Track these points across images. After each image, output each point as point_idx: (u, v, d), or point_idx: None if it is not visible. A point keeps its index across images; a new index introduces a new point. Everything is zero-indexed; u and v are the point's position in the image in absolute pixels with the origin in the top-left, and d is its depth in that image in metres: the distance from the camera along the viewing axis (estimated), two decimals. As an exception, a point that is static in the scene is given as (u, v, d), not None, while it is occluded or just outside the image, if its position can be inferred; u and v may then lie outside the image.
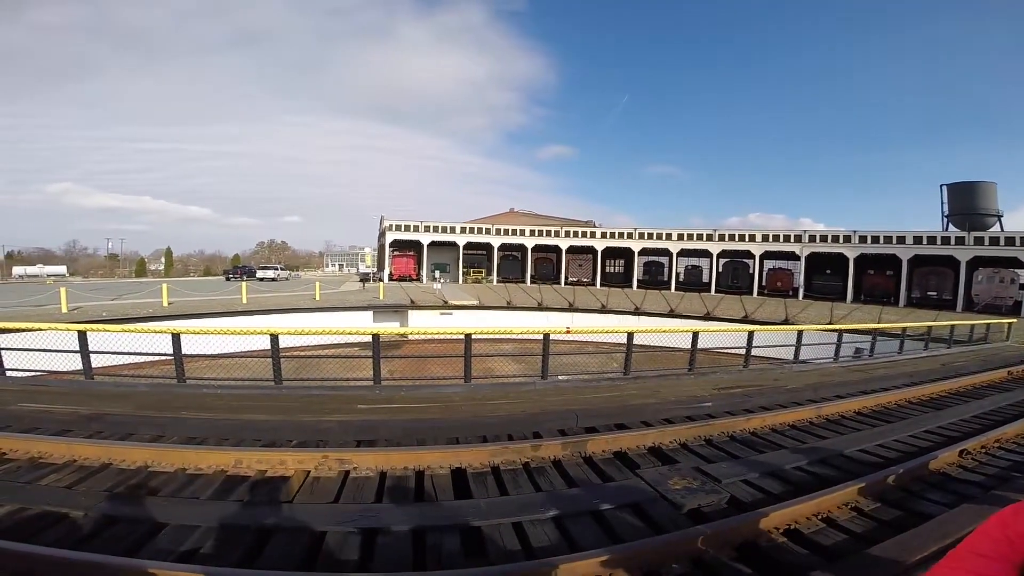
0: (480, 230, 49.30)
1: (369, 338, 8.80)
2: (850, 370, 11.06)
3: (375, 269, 49.15)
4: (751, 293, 41.37)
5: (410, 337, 15.07)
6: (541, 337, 9.60)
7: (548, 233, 49.41)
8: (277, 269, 53.13)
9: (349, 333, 9.81)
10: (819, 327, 18.85)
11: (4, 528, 3.12)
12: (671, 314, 32.13)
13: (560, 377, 9.66)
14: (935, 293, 35.33)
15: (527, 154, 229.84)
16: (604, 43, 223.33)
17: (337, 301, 30.17)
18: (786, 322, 19.21)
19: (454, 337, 9.64)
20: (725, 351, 13.16)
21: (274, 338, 8.50)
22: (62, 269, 66.80)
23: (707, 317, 30.55)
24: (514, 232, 49.26)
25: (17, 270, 62.89)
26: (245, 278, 44.15)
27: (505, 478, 4.12)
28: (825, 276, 40.18)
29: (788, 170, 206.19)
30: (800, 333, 13.91)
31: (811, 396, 7.82)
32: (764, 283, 42.76)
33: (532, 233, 49.15)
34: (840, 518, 3.48)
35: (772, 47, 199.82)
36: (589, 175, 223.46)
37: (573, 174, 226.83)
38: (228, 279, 48.03)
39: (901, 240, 37.10)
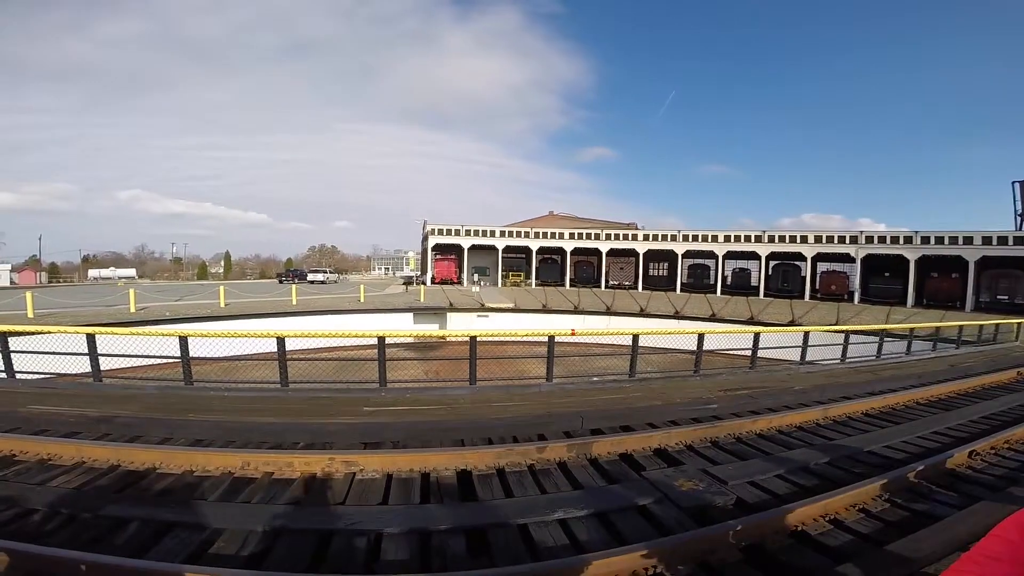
0: (519, 234, 49.20)
1: (404, 339, 8.93)
2: (857, 371, 10.98)
3: (419, 272, 49.67)
4: (802, 297, 39.38)
5: (448, 339, 15.35)
6: (570, 339, 9.56)
7: (587, 236, 48.40)
8: (326, 272, 55.66)
9: (356, 336, 9.83)
10: (825, 328, 18.73)
11: (14, 528, 3.16)
12: (712, 318, 31.58)
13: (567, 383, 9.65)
14: (1006, 297, 32.97)
15: (568, 156, 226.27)
16: (646, 41, 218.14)
17: (380, 303, 31.25)
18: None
19: (491, 339, 9.76)
20: (733, 353, 13.12)
21: (280, 341, 8.54)
22: (132, 272, 71.92)
23: (750, 321, 29.81)
24: (552, 235, 48.78)
25: (92, 273, 69.61)
26: (296, 281, 45.58)
27: (510, 480, 4.12)
28: (883, 279, 37.63)
29: (847, 168, 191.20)
30: (807, 334, 13.84)
31: (818, 397, 7.77)
32: (817, 286, 40.51)
33: (571, 236, 48.37)
34: (847, 520, 3.46)
35: (830, 37, 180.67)
36: (632, 176, 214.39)
37: (616, 175, 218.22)
38: (281, 282, 49.57)
39: (968, 240, 34.02)
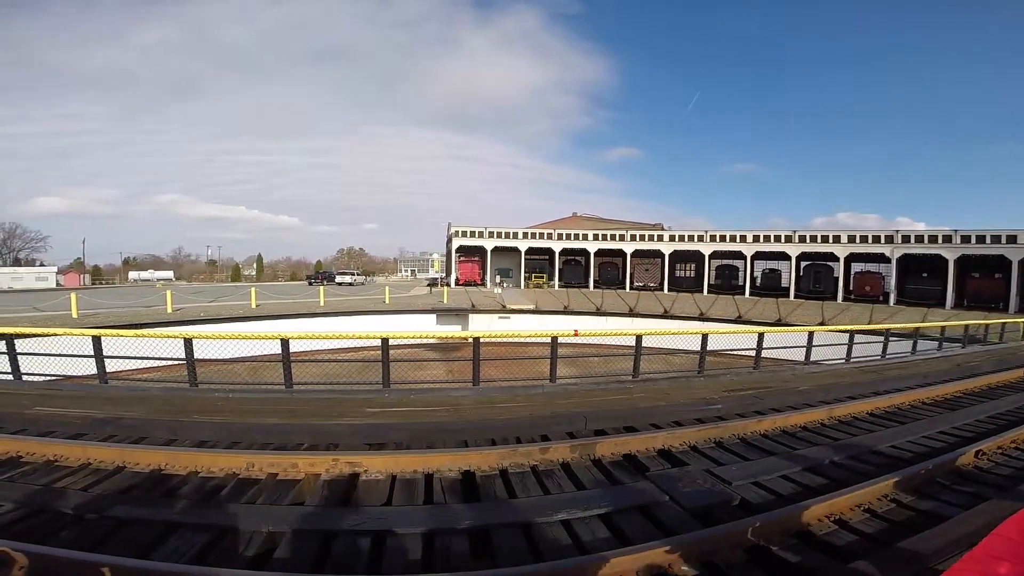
0: (541, 235, 49.33)
1: (430, 340, 9.04)
2: (862, 371, 10.93)
3: (443, 274, 50.29)
4: (835, 298, 38.43)
5: (469, 339, 15.65)
6: (584, 339, 9.61)
7: (611, 237, 48.04)
8: (354, 274, 57.70)
9: (359, 337, 9.87)
10: (829, 328, 18.66)
11: (20, 529, 3.18)
12: (738, 320, 31.26)
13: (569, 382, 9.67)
14: (1053, 297, 31.36)
15: (592, 157, 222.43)
16: (670, 38, 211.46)
17: (404, 304, 32.16)
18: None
19: (512, 341, 9.84)
20: (745, 353, 13.08)
21: (284, 343, 8.58)
22: (170, 274, 75.70)
23: (778, 323, 29.30)
24: (576, 237, 48.64)
25: (132, 275, 73.30)
26: (325, 283, 46.69)
27: (513, 480, 4.12)
28: (921, 280, 36.64)
29: (884, 165, 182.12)
30: (811, 334, 13.80)
31: (822, 397, 7.74)
32: (851, 288, 39.28)
33: (595, 237, 48.07)
34: (852, 520, 3.45)
35: (862, 28, 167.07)
36: (658, 176, 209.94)
37: (641, 176, 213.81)
38: (310, 284, 50.75)
39: (1012, 239, 32.52)
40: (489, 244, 48.04)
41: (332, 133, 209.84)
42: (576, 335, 11.49)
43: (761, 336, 12.15)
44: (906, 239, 37.29)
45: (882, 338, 15.98)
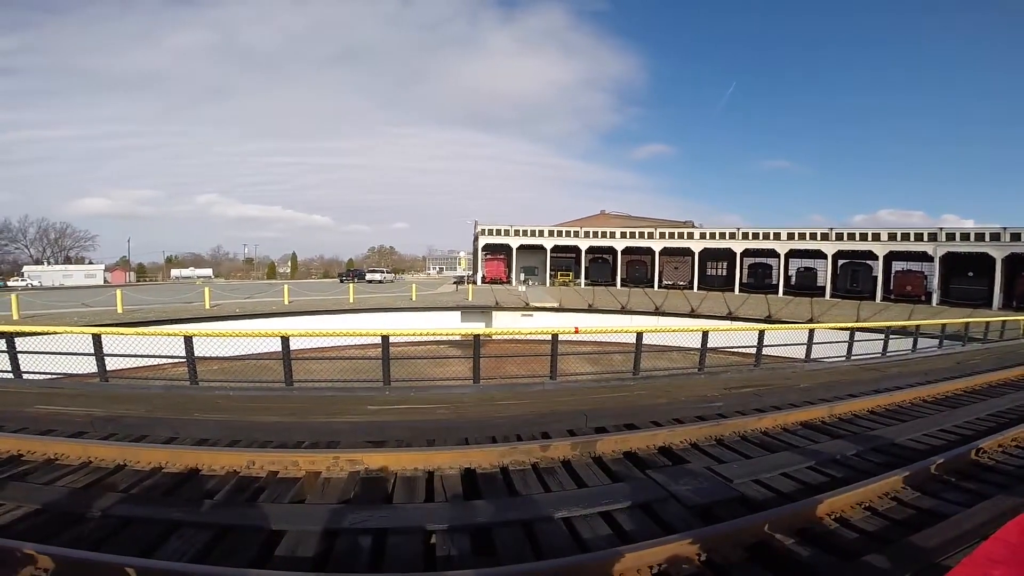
0: (567, 233, 49.15)
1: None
2: (863, 368, 10.92)
3: (470, 272, 50.76)
4: (873, 298, 36.72)
5: (494, 337, 15.78)
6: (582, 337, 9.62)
7: (639, 235, 47.49)
8: (383, 272, 59.42)
9: (358, 335, 9.87)
10: (831, 326, 18.62)
11: (22, 528, 3.18)
12: (767, 319, 30.29)
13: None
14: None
15: (622, 154, 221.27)
16: (701, 35, 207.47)
17: (430, 302, 32.84)
18: (904, 328, 18.09)
19: (533, 338, 9.98)
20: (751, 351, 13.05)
21: (285, 340, 8.57)
22: (209, 272, 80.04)
23: (810, 323, 28.77)
24: (603, 235, 48.26)
25: (174, 272, 78.66)
26: (355, 280, 48.00)
27: (514, 478, 4.12)
28: (966, 279, 34.82)
29: (930, 161, 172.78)
30: (812, 332, 13.78)
31: (823, 395, 7.74)
32: (891, 287, 37.70)
33: (622, 235, 47.46)
34: (853, 518, 3.44)
35: (908, 15, 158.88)
36: (690, 173, 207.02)
37: (672, 173, 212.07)
38: (341, 281, 52.25)
39: None
40: (514, 242, 48.03)
41: (362, 134, 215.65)
42: (577, 332, 11.48)
43: (762, 334, 12.14)
44: (951, 237, 35.61)
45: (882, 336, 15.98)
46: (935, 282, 35.71)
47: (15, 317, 18.65)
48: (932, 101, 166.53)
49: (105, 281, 57.59)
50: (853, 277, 39.59)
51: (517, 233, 48.26)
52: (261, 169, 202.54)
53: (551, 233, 48.96)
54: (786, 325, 19.95)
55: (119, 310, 21.77)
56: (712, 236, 45.43)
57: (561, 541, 3.14)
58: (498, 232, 48.45)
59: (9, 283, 52.46)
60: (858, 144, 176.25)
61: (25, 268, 62.96)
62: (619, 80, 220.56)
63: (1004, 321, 19.61)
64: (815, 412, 6.34)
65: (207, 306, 24.35)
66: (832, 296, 38.64)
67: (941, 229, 36.88)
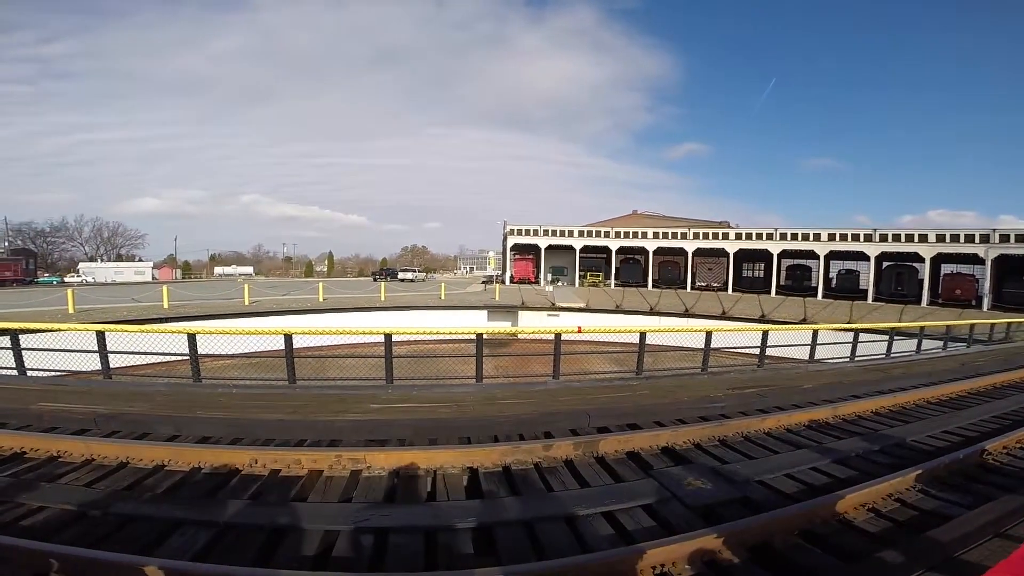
0: (597, 233, 48.86)
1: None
2: (867, 369, 10.87)
3: (499, 272, 51.07)
4: (918, 302, 35.02)
5: (519, 336, 16.00)
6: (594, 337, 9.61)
7: (672, 235, 46.56)
8: (415, 271, 60.99)
9: (363, 333, 9.91)
10: (834, 326, 18.57)
11: (23, 526, 3.18)
12: (803, 322, 29.31)
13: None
14: None
15: (656, 154, 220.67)
16: (737, 30, 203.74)
17: (458, 301, 33.45)
18: (948, 333, 17.51)
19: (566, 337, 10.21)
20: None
21: (288, 338, 8.59)
22: (250, 270, 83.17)
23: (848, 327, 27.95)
24: (634, 235, 47.64)
25: (217, 270, 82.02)
26: (388, 279, 49.34)
27: (516, 478, 4.11)
28: (1021, 283, 32.87)
29: (985, 160, 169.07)
30: (815, 332, 13.75)
31: (827, 396, 7.70)
32: (939, 290, 36.10)
33: (654, 236, 46.75)
34: (856, 519, 3.43)
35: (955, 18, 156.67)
36: (727, 172, 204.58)
37: (708, 172, 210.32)
38: (375, 280, 53.15)
39: None
40: (543, 242, 47.93)
41: (398, 134, 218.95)
42: (580, 331, 11.48)
43: (765, 334, 12.11)
44: (1004, 238, 33.64)
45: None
46: (986, 286, 33.93)
47: (71, 311, 19.80)
48: (987, 97, 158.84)
49: (153, 278, 60.03)
50: (897, 280, 38.24)
51: (546, 233, 48.22)
52: (303, 170, 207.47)
53: (580, 233, 48.75)
54: (786, 326, 19.86)
55: (165, 305, 22.73)
56: (748, 237, 44.17)
57: (564, 539, 3.13)
58: (526, 232, 48.44)
59: (66, 279, 54.59)
60: (907, 143, 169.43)
61: (80, 265, 65.74)
62: (653, 78, 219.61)
63: (1009, 323, 19.50)
64: (819, 413, 6.31)
65: (246, 302, 25.08)
66: (875, 299, 37.03)
67: (994, 230, 34.84)
